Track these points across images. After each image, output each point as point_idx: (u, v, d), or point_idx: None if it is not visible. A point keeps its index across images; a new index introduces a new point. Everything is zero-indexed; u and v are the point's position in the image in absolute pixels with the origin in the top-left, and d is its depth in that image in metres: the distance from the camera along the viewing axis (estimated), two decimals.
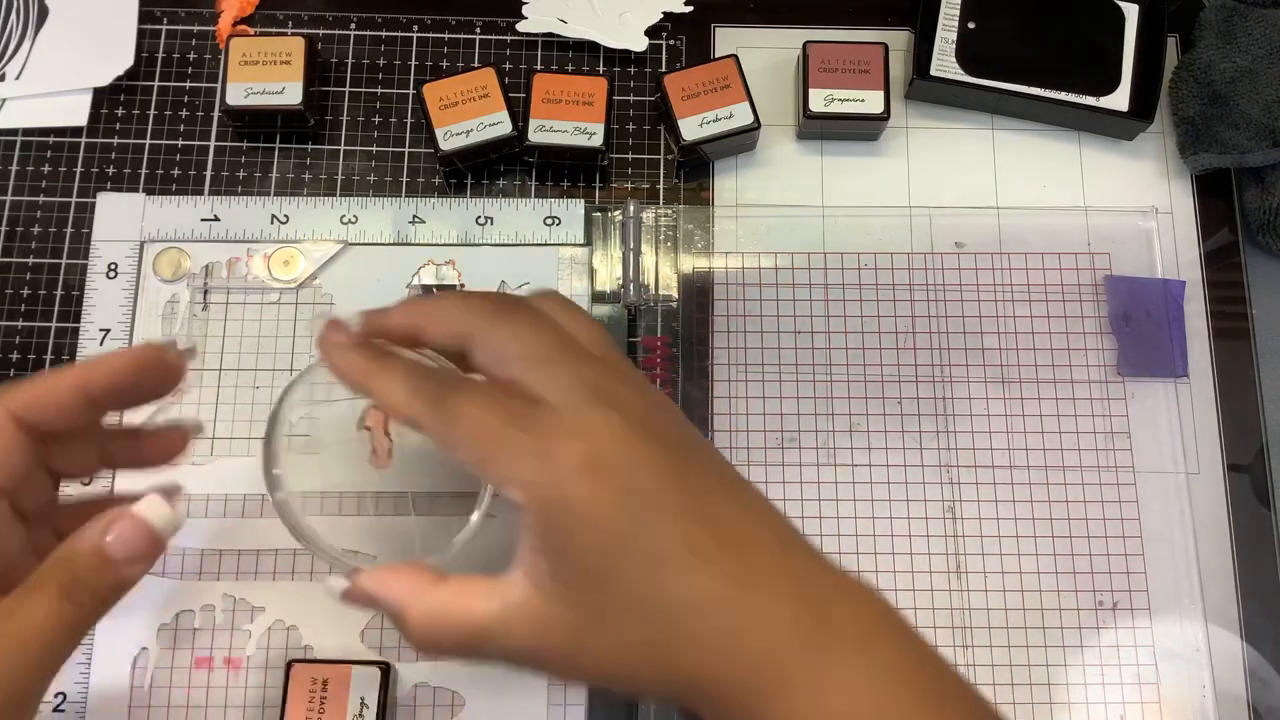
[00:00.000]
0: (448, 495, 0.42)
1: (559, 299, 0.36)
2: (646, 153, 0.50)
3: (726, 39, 0.52)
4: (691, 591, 0.30)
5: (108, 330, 0.45)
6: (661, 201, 0.49)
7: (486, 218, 0.48)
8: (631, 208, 0.47)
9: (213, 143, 0.50)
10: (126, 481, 0.43)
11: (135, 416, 0.44)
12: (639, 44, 0.51)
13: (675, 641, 0.30)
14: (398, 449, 0.42)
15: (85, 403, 0.34)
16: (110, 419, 0.38)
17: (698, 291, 0.48)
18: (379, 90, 0.51)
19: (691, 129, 0.48)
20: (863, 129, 0.49)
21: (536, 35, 0.51)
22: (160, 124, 0.50)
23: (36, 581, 0.31)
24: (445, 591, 0.32)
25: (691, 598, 0.30)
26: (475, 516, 0.36)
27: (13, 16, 0.51)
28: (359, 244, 0.47)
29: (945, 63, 0.49)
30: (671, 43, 0.52)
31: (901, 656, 0.31)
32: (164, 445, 0.37)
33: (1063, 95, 0.49)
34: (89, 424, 0.35)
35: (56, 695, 0.41)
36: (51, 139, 0.49)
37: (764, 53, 0.51)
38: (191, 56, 0.51)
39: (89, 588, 0.32)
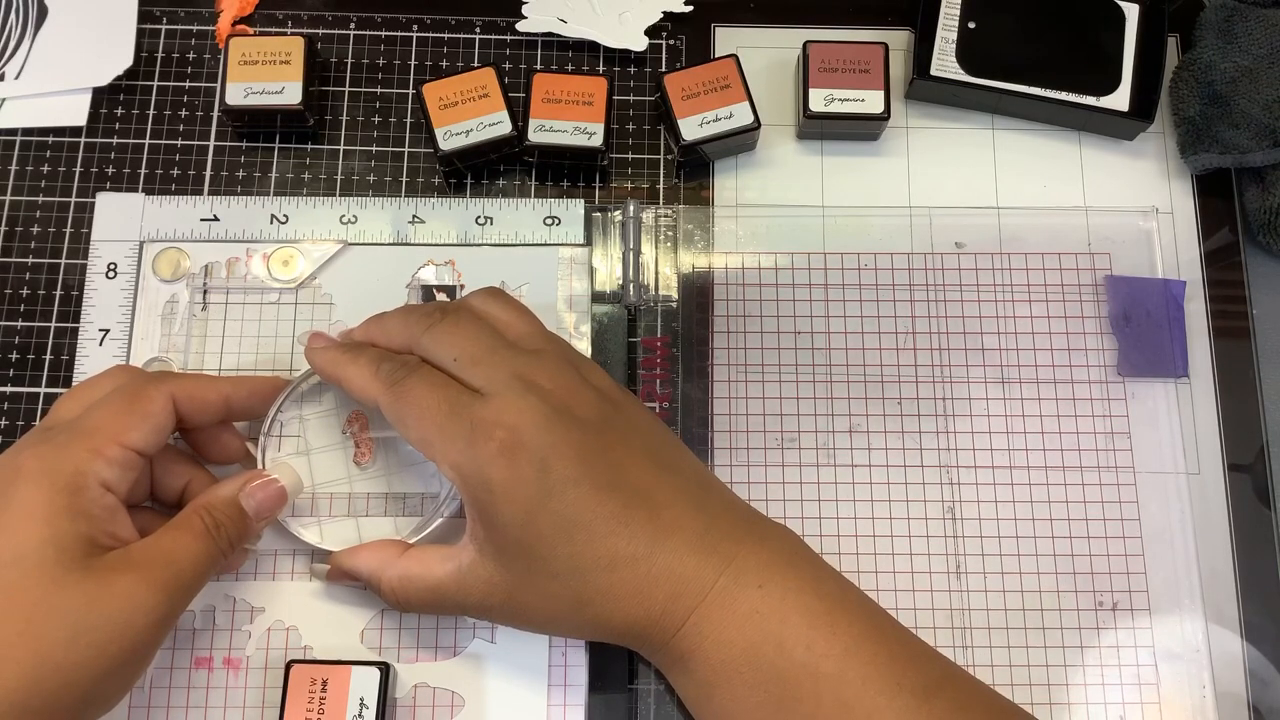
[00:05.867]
0: (423, 495, 0.43)
1: (497, 297, 0.41)
2: (646, 153, 0.50)
3: (726, 39, 0.52)
4: (604, 553, 0.35)
5: (107, 330, 0.45)
6: (661, 201, 0.49)
7: (486, 218, 0.47)
8: (631, 208, 0.47)
9: (212, 142, 0.50)
10: None
11: None
12: (639, 44, 0.51)
13: (594, 594, 0.36)
14: (381, 455, 0.44)
15: (224, 409, 0.40)
16: None
17: (698, 291, 0.48)
18: (379, 90, 0.51)
19: (691, 129, 0.47)
20: (863, 129, 0.49)
21: (536, 35, 0.51)
22: (160, 124, 0.50)
23: (183, 522, 0.37)
24: (409, 559, 0.39)
25: (605, 558, 0.35)
26: (443, 515, 0.41)
27: (12, 16, 0.51)
28: (358, 244, 0.47)
29: (945, 62, 0.49)
30: (671, 42, 0.52)
31: (798, 587, 0.36)
32: (224, 448, 0.42)
33: (1063, 95, 0.49)
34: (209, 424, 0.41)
35: None
36: (51, 139, 0.49)
37: (764, 52, 0.51)
38: (191, 56, 0.51)
39: (225, 531, 0.37)
